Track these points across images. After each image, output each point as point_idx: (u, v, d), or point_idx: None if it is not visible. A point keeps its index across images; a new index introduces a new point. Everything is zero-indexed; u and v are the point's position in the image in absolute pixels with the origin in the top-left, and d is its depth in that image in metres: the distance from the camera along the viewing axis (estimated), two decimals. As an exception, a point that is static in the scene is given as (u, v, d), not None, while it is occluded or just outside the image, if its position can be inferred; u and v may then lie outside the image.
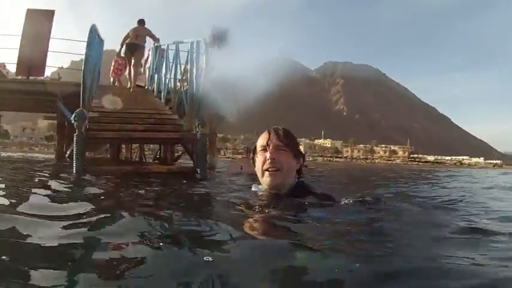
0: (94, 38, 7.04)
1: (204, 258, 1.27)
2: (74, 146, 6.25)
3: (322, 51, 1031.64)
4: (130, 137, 7.50)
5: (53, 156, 18.76)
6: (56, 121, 15.82)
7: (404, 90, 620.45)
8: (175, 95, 9.92)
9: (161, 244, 1.51)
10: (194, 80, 8.35)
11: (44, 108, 17.09)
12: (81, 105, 6.64)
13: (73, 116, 6.25)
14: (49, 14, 14.88)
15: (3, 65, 15.20)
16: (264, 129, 2.63)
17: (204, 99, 7.82)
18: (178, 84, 10.19)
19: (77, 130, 6.24)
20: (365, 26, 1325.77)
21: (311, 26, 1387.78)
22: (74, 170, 6.20)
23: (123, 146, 17.60)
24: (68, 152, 11.44)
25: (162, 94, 10.87)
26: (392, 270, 1.25)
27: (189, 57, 8.98)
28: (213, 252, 1.35)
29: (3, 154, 18.27)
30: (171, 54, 11.03)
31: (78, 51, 11.34)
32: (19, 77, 13.95)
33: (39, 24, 14.15)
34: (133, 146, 18.45)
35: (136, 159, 17.52)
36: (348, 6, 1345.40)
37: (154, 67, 12.16)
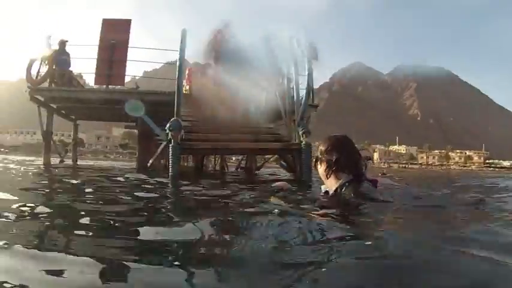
0: (185, 44, 6.73)
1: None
2: (170, 156, 5.98)
3: (394, 55, 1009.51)
4: (228, 148, 7.09)
5: (127, 163, 19.03)
6: (131, 130, 15.92)
7: (478, 93, 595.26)
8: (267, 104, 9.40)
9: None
10: (293, 89, 7.88)
11: (123, 118, 17.26)
12: (175, 115, 6.34)
13: (168, 125, 5.98)
14: (126, 24, 14.96)
15: (80, 76, 15.48)
16: (333, 133, 3.09)
17: (306, 108, 7.33)
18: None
19: (172, 141, 5.97)
20: (433, 27, 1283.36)
21: (381, 31, 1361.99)
22: (170, 174, 6.00)
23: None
24: (151, 161, 11.32)
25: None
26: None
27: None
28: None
29: (80, 162, 18.60)
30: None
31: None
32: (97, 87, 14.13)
33: (116, 33, 14.23)
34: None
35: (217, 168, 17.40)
36: (415, 7, 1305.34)
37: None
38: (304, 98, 7.13)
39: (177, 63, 6.68)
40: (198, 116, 8.41)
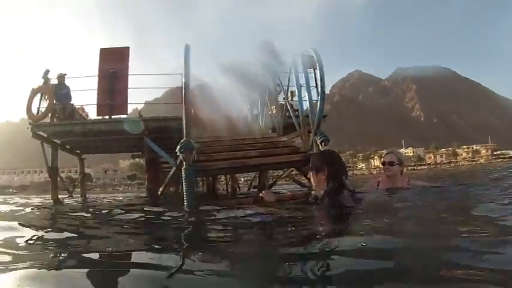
0: (188, 59, 6.35)
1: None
2: (183, 180, 5.44)
3: (390, 59, 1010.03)
4: (245, 165, 6.63)
5: (134, 195, 18.75)
6: (138, 160, 15.69)
7: (478, 86, 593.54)
8: (278, 117, 9.30)
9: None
10: (304, 96, 7.55)
11: (129, 148, 17.00)
12: (184, 136, 5.92)
13: (178, 147, 5.53)
14: (124, 51, 14.77)
15: (82, 108, 15.20)
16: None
17: (322, 115, 6.94)
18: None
19: (184, 163, 5.53)
20: (427, 27, 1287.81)
21: (375, 36, 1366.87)
22: (186, 206, 5.39)
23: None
24: (161, 189, 11.04)
25: (260, 118, 10.26)
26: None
27: (292, 73, 8.36)
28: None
29: (90, 195, 18.37)
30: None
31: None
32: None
33: (115, 62, 14.02)
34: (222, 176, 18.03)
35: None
36: (406, 9, 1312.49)
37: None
38: (319, 105, 6.75)
39: (182, 79, 6.26)
40: (209, 136, 8.05)
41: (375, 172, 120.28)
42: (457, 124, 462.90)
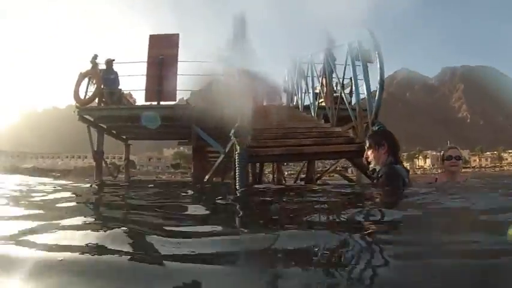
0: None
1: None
2: (237, 163, 5.31)
3: (438, 58, 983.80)
4: (301, 153, 6.38)
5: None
6: (183, 149, 15.72)
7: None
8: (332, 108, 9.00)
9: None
10: (362, 85, 7.31)
11: (176, 135, 16.99)
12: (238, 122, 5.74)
13: (232, 132, 5.36)
14: (174, 38, 14.74)
15: (129, 94, 15.26)
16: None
17: (380, 104, 6.61)
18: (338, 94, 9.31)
19: (238, 147, 5.32)
20: (474, 25, 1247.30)
21: (423, 32, 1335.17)
22: (238, 186, 5.38)
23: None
24: (207, 176, 10.93)
25: (312, 109, 10.03)
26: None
27: (348, 61, 8.01)
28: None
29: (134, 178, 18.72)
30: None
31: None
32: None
33: (164, 48, 14.03)
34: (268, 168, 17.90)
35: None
36: (454, 8, 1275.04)
37: (295, 83, 11.43)
38: (378, 94, 6.41)
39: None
40: (262, 123, 7.83)
41: (419, 172, 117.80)
42: (503, 127, 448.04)
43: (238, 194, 4.88)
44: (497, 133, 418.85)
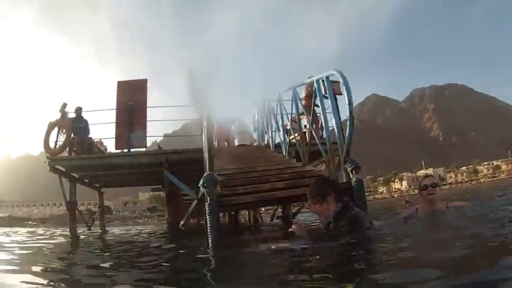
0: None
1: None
2: (207, 216, 5.09)
3: (406, 80, 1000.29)
4: (273, 198, 6.21)
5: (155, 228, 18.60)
6: (158, 192, 15.59)
7: (495, 101, 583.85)
8: (302, 145, 8.84)
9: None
10: (330, 122, 7.35)
11: (148, 181, 16.81)
12: (207, 169, 5.63)
13: (201, 182, 5.23)
14: (142, 84, 14.73)
15: (100, 142, 15.11)
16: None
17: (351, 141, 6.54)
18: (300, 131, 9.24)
19: (208, 198, 5.18)
20: (438, 45, 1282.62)
21: (391, 59, 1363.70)
22: (210, 244, 5.00)
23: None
24: (182, 222, 10.82)
25: (283, 147, 9.97)
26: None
27: (317, 98, 7.90)
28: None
29: (109, 229, 18.28)
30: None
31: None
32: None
33: (133, 94, 13.96)
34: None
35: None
36: (420, 28, 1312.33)
37: (264, 121, 11.48)
38: (349, 131, 6.37)
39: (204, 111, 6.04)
40: (232, 168, 7.73)
41: (396, 195, 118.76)
42: (476, 141, 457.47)
43: (210, 258, 4.49)
44: (470, 148, 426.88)
